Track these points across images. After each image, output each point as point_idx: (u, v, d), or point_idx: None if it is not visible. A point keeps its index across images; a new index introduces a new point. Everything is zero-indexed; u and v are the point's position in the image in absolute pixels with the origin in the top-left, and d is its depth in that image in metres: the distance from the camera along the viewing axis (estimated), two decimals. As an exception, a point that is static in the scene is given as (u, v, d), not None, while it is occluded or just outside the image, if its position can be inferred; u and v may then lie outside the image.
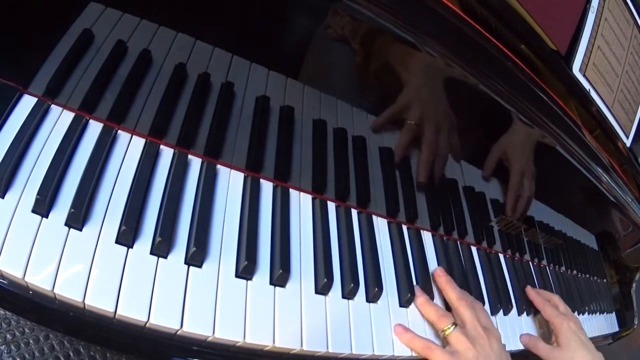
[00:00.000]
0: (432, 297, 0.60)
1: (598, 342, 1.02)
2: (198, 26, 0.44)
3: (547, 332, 0.79)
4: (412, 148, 0.59)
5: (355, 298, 0.53)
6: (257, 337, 0.43)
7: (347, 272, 0.54)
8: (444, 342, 0.57)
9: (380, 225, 0.63)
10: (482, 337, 0.56)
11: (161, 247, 0.42)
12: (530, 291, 0.77)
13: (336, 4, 0.42)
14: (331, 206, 0.59)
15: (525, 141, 0.61)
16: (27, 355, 0.49)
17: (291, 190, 0.56)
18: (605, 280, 1.17)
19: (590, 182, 0.69)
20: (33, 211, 0.38)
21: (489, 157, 0.63)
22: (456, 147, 0.60)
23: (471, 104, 0.56)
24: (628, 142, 0.77)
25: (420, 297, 0.59)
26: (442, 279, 0.62)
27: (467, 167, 0.64)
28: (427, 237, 0.68)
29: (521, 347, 0.71)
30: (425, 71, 0.50)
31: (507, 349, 0.67)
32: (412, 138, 0.57)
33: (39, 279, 0.36)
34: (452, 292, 0.61)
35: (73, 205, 0.39)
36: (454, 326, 0.56)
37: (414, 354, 0.55)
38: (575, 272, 1.03)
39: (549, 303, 0.75)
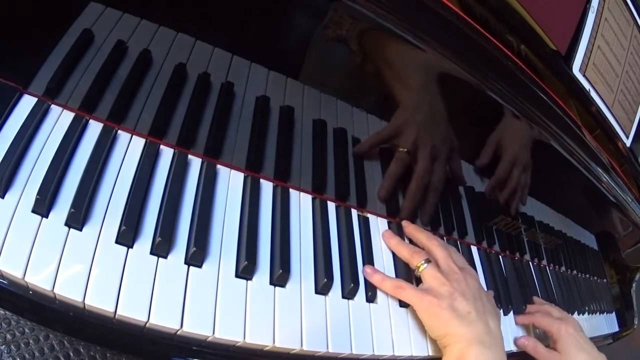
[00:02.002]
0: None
1: (598, 342, 1.02)
2: (198, 26, 0.44)
3: (545, 332, 0.79)
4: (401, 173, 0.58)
5: (355, 298, 0.53)
6: (257, 337, 0.43)
7: (347, 272, 0.54)
8: (419, 281, 0.56)
9: (380, 226, 0.63)
10: (456, 273, 0.54)
11: (161, 247, 0.42)
12: (520, 319, 0.73)
13: (336, 4, 0.42)
14: (331, 206, 0.58)
15: (524, 141, 0.61)
16: (27, 355, 0.49)
17: (291, 190, 0.56)
18: (605, 280, 1.17)
19: (590, 182, 0.69)
20: (33, 211, 0.38)
21: (487, 153, 0.63)
22: (457, 166, 0.59)
23: (471, 105, 0.56)
24: (628, 142, 0.76)
25: (393, 239, 0.59)
26: (410, 227, 0.62)
27: (467, 167, 0.64)
28: (427, 237, 0.68)
29: (521, 347, 0.71)
30: (425, 69, 0.50)
31: (508, 349, 0.67)
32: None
33: (39, 279, 0.36)
34: (421, 234, 0.60)
35: (73, 205, 0.39)
36: (427, 263, 0.55)
37: (413, 354, 0.55)
38: (575, 272, 1.03)
39: (540, 312, 0.73)
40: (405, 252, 0.57)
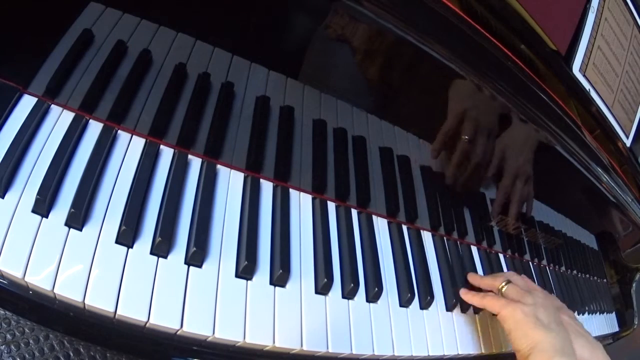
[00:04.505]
0: (432, 298, 0.60)
1: (598, 342, 1.02)
2: (198, 26, 0.44)
3: None
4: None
5: (355, 298, 0.53)
6: (257, 337, 0.43)
7: (347, 272, 0.54)
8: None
9: (380, 225, 0.63)
10: (536, 289, 0.60)
11: (161, 247, 0.42)
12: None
13: (336, 4, 0.42)
14: (331, 206, 0.58)
15: (525, 141, 0.61)
16: (27, 355, 0.49)
17: (291, 190, 0.56)
18: (605, 280, 1.17)
19: (590, 182, 0.69)
20: (33, 211, 0.38)
21: (492, 158, 0.63)
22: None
23: (471, 105, 0.56)
24: (628, 142, 0.76)
25: (474, 278, 0.65)
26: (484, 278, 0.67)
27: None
28: (427, 237, 0.68)
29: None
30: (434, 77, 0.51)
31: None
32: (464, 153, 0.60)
33: (39, 279, 0.36)
34: (500, 275, 0.64)
35: (73, 205, 0.39)
36: (508, 282, 0.60)
37: (413, 354, 0.55)
38: (575, 272, 1.03)
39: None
40: (487, 279, 0.63)
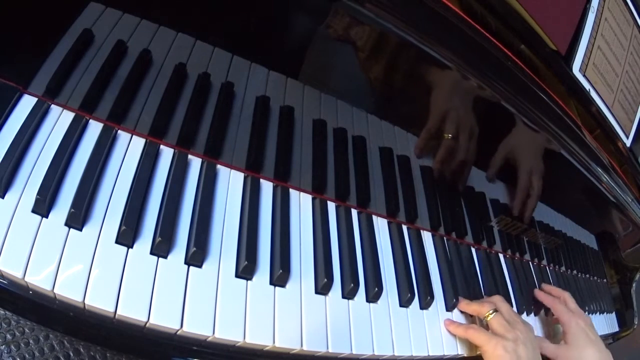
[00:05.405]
0: (432, 298, 0.61)
1: (598, 342, 1.02)
2: (198, 26, 0.44)
3: (549, 332, 0.79)
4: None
5: (355, 298, 0.53)
6: (257, 337, 0.43)
7: (347, 272, 0.54)
8: (486, 328, 0.61)
9: (380, 225, 0.63)
10: (519, 323, 0.59)
11: (161, 247, 0.42)
12: (538, 293, 0.78)
13: (336, 4, 0.42)
14: (331, 206, 0.58)
15: (525, 142, 0.61)
16: (27, 355, 0.49)
17: (291, 190, 0.56)
18: (605, 280, 1.17)
19: (590, 182, 0.69)
20: (33, 211, 0.38)
21: (493, 157, 0.63)
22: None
23: (472, 105, 0.56)
24: (628, 142, 0.77)
25: (462, 301, 0.64)
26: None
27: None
28: (427, 237, 0.68)
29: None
30: (435, 76, 0.51)
31: None
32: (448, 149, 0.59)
33: (39, 279, 0.36)
34: (488, 297, 0.66)
35: (73, 205, 0.39)
36: (494, 312, 0.60)
37: (413, 354, 0.55)
38: (575, 272, 1.03)
39: (559, 300, 0.76)
40: (474, 305, 0.63)
